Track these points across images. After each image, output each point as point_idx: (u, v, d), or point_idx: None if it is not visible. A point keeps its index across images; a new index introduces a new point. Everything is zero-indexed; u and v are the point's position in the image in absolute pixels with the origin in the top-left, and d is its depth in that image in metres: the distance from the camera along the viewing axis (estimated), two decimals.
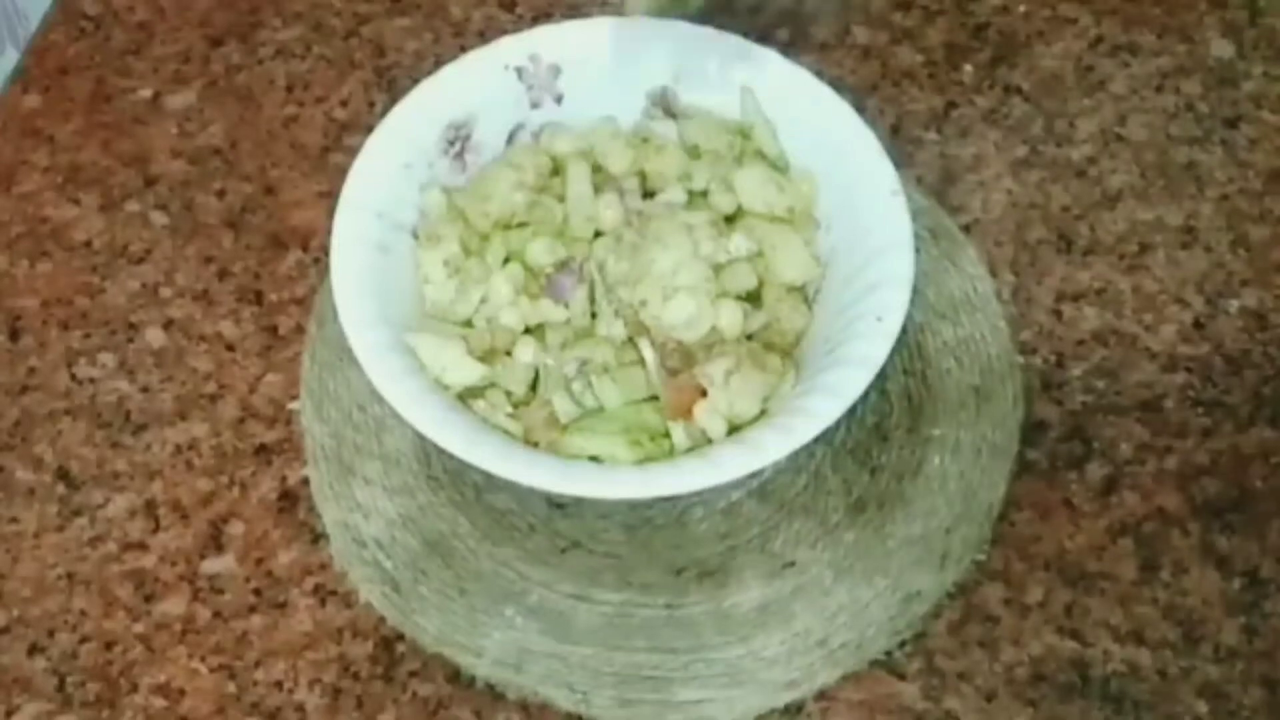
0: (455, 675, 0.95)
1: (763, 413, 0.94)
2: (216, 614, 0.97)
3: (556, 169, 1.03)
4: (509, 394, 0.95)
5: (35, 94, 1.21)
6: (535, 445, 0.93)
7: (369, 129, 0.99)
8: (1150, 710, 0.93)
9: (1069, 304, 1.09)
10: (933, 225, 1.11)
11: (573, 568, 0.98)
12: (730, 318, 0.96)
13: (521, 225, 1.00)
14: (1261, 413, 1.04)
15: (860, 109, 0.99)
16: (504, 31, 1.10)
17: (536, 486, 0.89)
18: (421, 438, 0.90)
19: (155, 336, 1.08)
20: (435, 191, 1.00)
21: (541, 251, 0.98)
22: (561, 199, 1.01)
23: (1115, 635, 0.96)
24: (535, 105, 1.05)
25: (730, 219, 1.00)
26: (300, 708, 0.94)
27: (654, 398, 0.94)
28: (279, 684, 0.94)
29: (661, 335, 0.95)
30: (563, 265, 0.98)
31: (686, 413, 0.93)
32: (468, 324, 0.98)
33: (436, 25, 1.25)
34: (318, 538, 1.00)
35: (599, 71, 1.04)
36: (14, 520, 1.00)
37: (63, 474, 1.02)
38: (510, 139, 1.05)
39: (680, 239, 0.96)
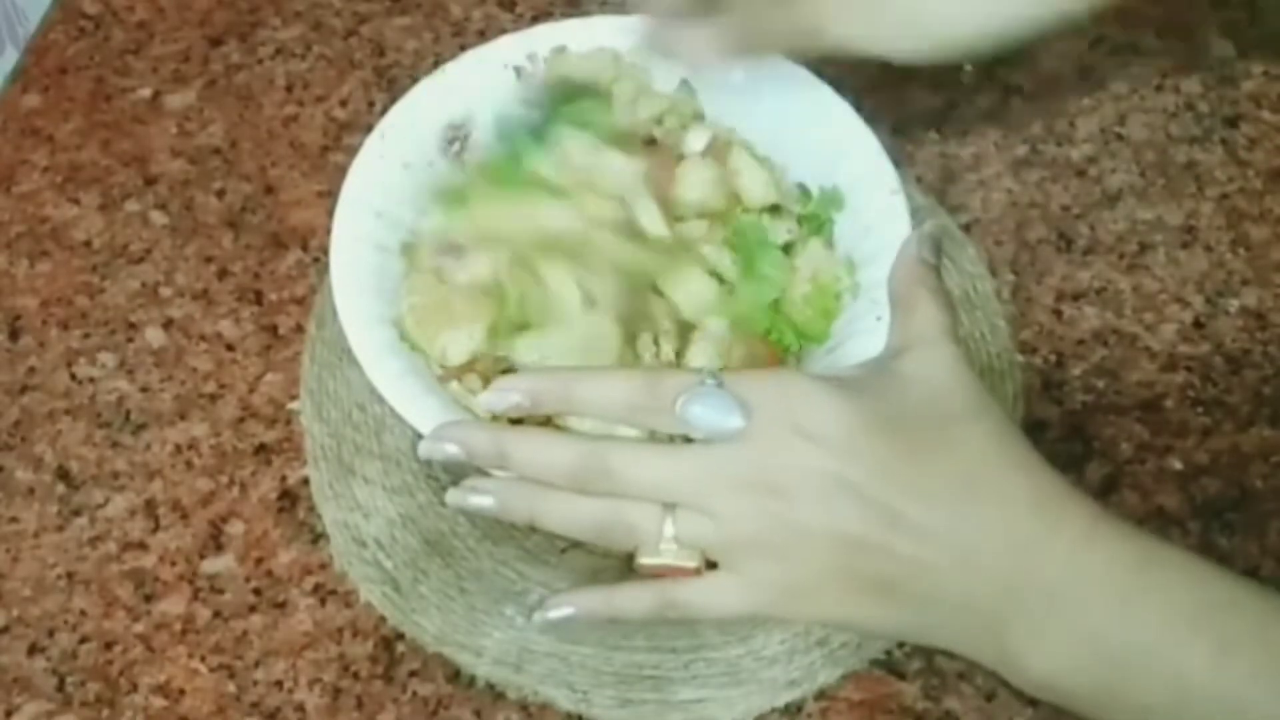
0: (455, 675, 0.95)
1: None
2: (216, 614, 0.97)
3: None
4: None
5: (35, 94, 1.21)
6: None
7: (369, 128, 0.99)
8: None
9: (1069, 303, 1.09)
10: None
11: (572, 567, 0.98)
12: None
13: None
14: (1261, 412, 1.05)
15: (860, 108, 0.99)
16: (504, 31, 1.10)
17: None
18: (421, 437, 0.90)
19: (155, 336, 1.08)
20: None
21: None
22: None
23: None
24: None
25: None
26: (300, 707, 0.94)
27: None
28: (279, 684, 0.95)
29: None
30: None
31: None
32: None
33: (436, 24, 1.25)
34: (317, 537, 1.00)
35: None
36: (14, 520, 1.01)
37: (62, 474, 1.03)
38: None
39: None
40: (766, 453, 0.76)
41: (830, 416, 0.76)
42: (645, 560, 0.79)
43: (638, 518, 0.78)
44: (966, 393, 0.80)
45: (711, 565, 0.78)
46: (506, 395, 0.81)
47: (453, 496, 0.82)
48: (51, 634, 0.97)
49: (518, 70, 1.03)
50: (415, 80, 1.01)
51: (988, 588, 0.75)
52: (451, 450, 0.82)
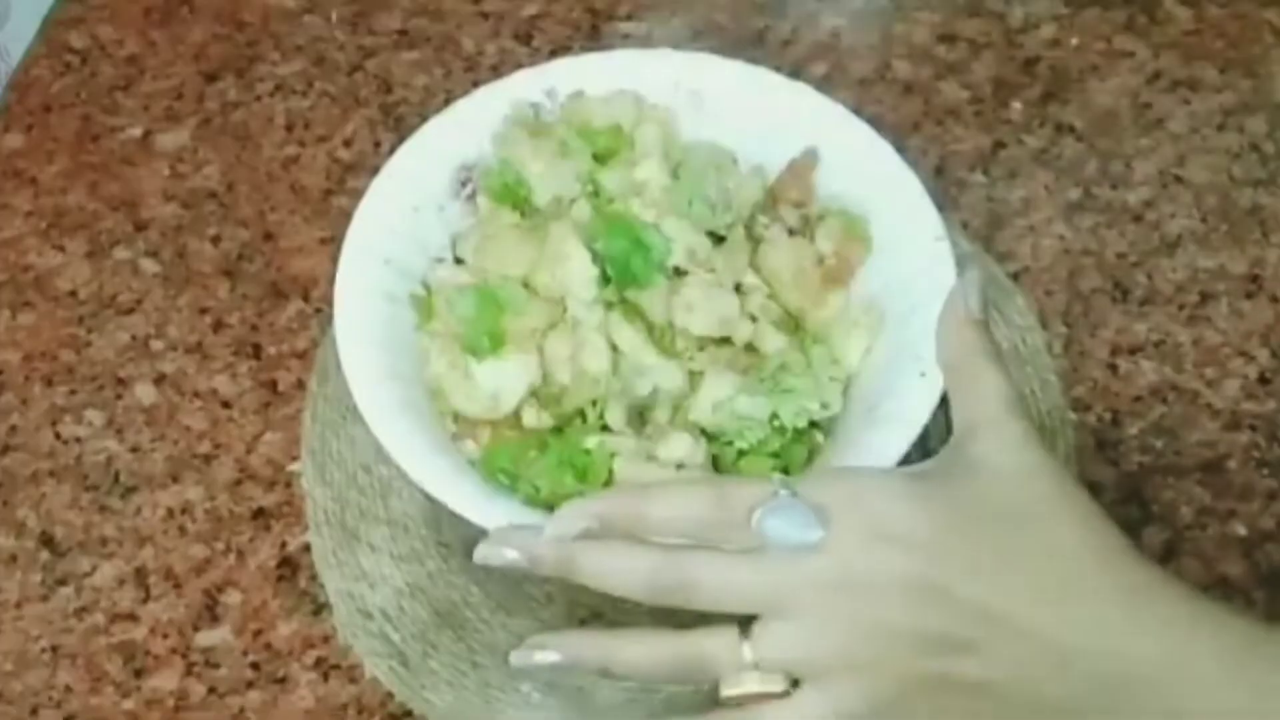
0: None
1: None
2: (211, 690, 0.97)
3: None
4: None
5: (17, 133, 1.22)
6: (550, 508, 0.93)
7: (374, 170, 0.99)
8: None
9: (1125, 358, 1.09)
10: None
11: None
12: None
13: None
14: None
15: (901, 149, 0.99)
16: (519, 65, 1.10)
17: None
18: (431, 501, 0.90)
19: (146, 393, 1.08)
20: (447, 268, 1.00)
21: None
22: None
23: None
24: None
25: None
26: None
27: None
28: None
29: None
30: None
31: None
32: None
33: (447, 59, 1.25)
34: (320, 608, 1.00)
35: None
36: None
37: (47, 540, 1.03)
38: None
39: None
40: (849, 559, 0.77)
41: (909, 516, 0.77)
42: (729, 691, 0.79)
43: (714, 647, 0.78)
44: (1043, 479, 0.80)
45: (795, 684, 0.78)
46: (575, 521, 0.81)
47: (516, 658, 0.81)
48: (35, 712, 0.96)
49: (535, 107, 1.03)
50: (424, 118, 1.02)
51: (1088, 685, 0.75)
52: (512, 556, 0.81)
